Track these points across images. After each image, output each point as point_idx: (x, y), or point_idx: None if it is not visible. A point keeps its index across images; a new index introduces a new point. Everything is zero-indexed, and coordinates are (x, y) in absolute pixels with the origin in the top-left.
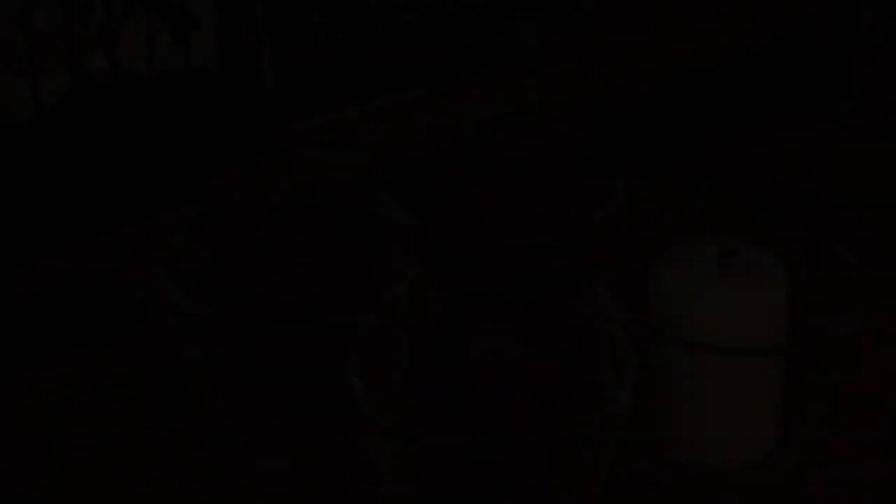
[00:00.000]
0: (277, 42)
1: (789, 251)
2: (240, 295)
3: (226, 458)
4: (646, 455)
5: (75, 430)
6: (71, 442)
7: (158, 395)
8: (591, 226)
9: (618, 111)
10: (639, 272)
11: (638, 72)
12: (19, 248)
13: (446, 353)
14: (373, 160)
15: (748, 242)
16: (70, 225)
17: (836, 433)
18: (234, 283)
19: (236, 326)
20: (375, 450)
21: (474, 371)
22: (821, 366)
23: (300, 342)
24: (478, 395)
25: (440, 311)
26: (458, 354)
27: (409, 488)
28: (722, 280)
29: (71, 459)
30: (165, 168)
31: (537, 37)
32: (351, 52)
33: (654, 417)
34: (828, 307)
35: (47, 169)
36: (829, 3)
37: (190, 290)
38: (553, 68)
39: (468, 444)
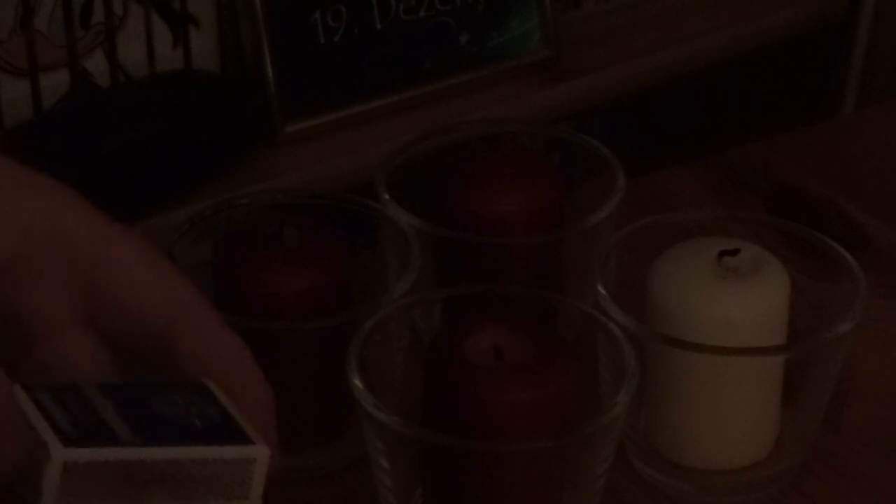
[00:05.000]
0: (277, 42)
1: (789, 251)
2: (241, 294)
3: None
4: (646, 455)
5: None
6: None
7: None
8: (591, 226)
9: (617, 111)
10: (639, 272)
11: (639, 71)
12: None
13: (446, 353)
14: (373, 160)
15: (748, 242)
16: None
17: (836, 433)
18: (234, 283)
19: (237, 325)
20: (375, 448)
21: (474, 371)
22: (821, 366)
23: (300, 342)
24: (477, 394)
25: (440, 311)
26: (458, 354)
27: (409, 487)
28: (722, 280)
29: None
30: (165, 168)
31: (537, 37)
32: (351, 52)
33: (654, 417)
34: (828, 307)
35: (47, 169)
36: (830, 3)
37: None
38: (553, 68)
39: (467, 444)
